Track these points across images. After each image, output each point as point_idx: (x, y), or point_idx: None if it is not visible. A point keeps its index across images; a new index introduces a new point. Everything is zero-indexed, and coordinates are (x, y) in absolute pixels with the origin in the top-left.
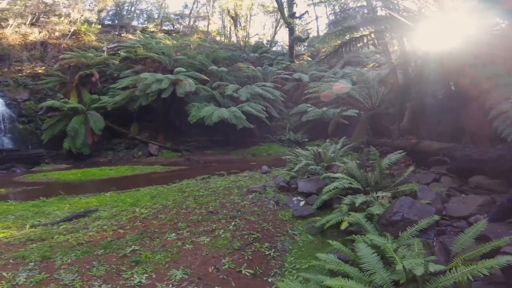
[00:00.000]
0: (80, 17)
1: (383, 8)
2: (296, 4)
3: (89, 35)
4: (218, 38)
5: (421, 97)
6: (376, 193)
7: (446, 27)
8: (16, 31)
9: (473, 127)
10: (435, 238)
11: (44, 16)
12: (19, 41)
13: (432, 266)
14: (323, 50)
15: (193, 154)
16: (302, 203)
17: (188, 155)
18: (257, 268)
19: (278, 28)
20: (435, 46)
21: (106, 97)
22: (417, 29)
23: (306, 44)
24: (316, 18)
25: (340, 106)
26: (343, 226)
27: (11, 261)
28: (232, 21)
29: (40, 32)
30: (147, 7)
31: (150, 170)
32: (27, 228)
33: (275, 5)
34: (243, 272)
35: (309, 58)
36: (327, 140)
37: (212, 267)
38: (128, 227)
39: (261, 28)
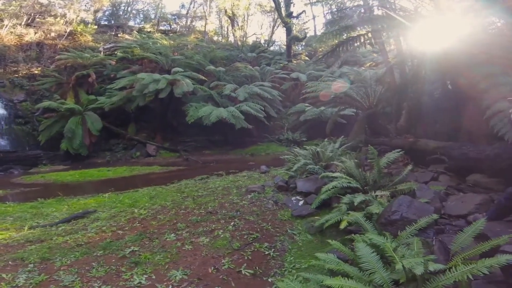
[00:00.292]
0: (76, 18)
1: (379, 8)
2: (294, 4)
3: (85, 36)
4: (215, 38)
5: (418, 96)
6: (374, 192)
7: (442, 27)
8: (11, 32)
9: (470, 126)
10: (434, 237)
11: (40, 17)
12: (15, 42)
13: (432, 265)
14: (321, 49)
15: (191, 154)
16: (301, 202)
17: (186, 155)
18: (257, 268)
19: (275, 27)
20: (432, 45)
21: (103, 97)
22: (414, 29)
23: (304, 43)
24: (313, 18)
25: (338, 105)
26: (342, 225)
27: (10, 262)
28: (229, 21)
29: (35, 33)
30: (143, 7)
31: (148, 171)
32: (26, 229)
33: (273, 4)
34: (243, 272)
35: (307, 58)
36: (325, 139)
37: (212, 268)
38: (127, 228)
39: (259, 27)
